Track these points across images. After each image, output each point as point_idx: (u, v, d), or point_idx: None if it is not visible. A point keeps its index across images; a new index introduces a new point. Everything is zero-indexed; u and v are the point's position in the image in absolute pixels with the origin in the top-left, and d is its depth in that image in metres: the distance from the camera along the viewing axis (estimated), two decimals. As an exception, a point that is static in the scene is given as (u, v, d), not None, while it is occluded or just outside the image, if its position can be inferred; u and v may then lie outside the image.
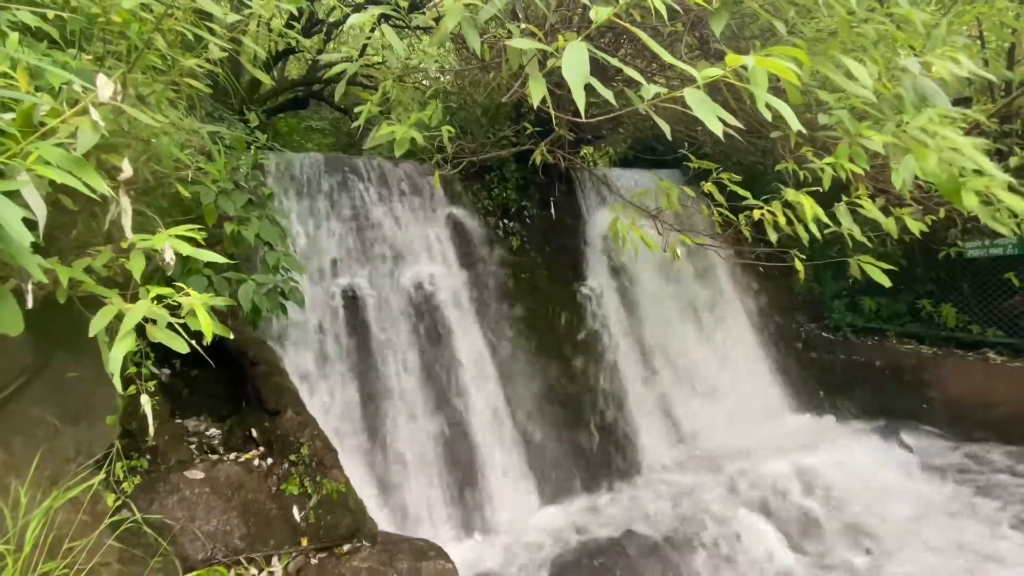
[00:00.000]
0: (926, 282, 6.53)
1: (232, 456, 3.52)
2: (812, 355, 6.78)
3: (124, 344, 1.38)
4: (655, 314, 6.02)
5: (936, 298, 6.39)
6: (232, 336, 1.92)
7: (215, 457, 3.47)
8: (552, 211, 5.61)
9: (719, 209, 3.15)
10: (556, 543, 3.90)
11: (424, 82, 6.07)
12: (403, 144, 2.19)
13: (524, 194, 5.73)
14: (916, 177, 2.21)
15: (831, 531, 4.23)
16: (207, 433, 3.79)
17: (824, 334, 6.97)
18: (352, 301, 4.54)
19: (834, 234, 2.93)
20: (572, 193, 6.31)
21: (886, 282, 2.65)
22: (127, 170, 1.76)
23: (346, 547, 3.26)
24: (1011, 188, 3.29)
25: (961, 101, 6.43)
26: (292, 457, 3.49)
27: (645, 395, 5.52)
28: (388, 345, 4.54)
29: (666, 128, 1.50)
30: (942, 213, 3.24)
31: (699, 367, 5.97)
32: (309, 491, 3.37)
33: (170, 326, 1.65)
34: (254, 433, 3.68)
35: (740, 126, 1.40)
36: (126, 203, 1.83)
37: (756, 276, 7.04)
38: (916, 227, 2.77)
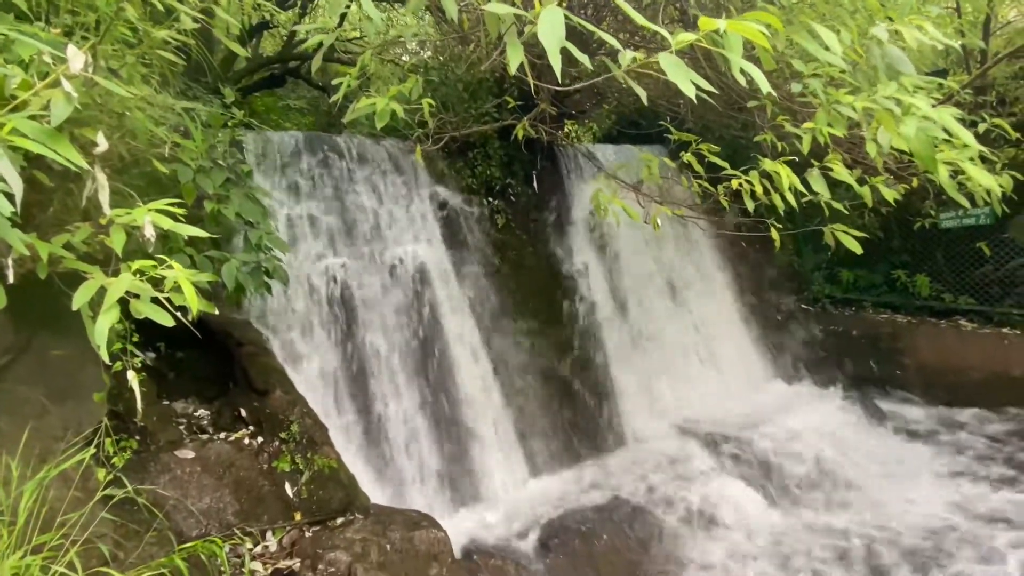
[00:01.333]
0: (902, 253, 6.70)
1: (222, 436, 3.54)
2: (792, 326, 6.96)
3: (109, 316, 1.39)
4: (640, 289, 6.11)
5: (911, 268, 6.57)
6: (217, 312, 1.93)
7: (205, 437, 3.49)
8: (536, 187, 5.61)
9: (699, 181, 3.20)
10: (545, 511, 4.02)
11: (404, 57, 5.96)
12: (384, 117, 2.17)
13: (508, 171, 5.72)
14: (892, 148, 2.26)
15: (809, 491, 4.41)
16: (195, 414, 3.79)
17: (804, 306, 7.15)
18: (337, 281, 4.53)
19: (815, 207, 3.00)
20: (557, 171, 6.31)
21: (858, 249, 2.73)
22: (102, 144, 1.73)
23: (339, 520, 3.32)
24: (983, 157, 3.38)
25: (937, 73, 6.51)
26: (282, 435, 3.52)
27: (630, 367, 5.63)
28: (375, 324, 4.55)
29: (642, 94, 1.52)
30: (915, 183, 3.33)
31: (683, 340, 6.10)
32: (301, 467, 3.41)
33: (155, 301, 1.65)
34: (243, 413, 3.70)
35: (715, 91, 1.43)
36: (102, 178, 1.81)
37: (739, 251, 7.15)
38: (890, 195, 2.84)
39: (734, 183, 2.72)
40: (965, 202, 2.54)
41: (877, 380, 6.21)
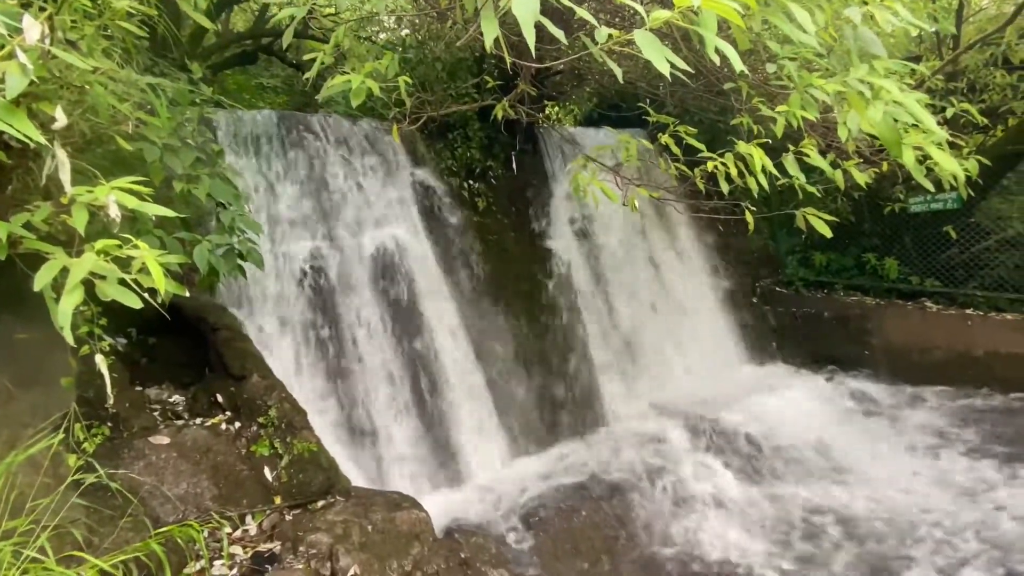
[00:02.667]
0: (872, 237, 6.88)
1: (198, 421, 3.50)
2: (766, 308, 7.12)
3: (72, 297, 1.35)
4: (619, 272, 6.17)
5: (880, 252, 6.76)
6: (187, 294, 1.89)
7: (180, 423, 3.44)
8: (515, 168, 5.58)
9: (676, 164, 3.22)
10: (526, 490, 4.09)
11: (381, 35, 5.81)
12: (359, 95, 2.12)
13: (489, 154, 5.67)
14: (864, 132, 2.31)
15: (782, 467, 4.57)
16: (170, 400, 3.73)
17: (778, 288, 7.31)
18: (313, 265, 4.47)
19: (791, 191, 3.05)
20: (538, 154, 6.28)
21: (827, 232, 2.80)
22: (61, 119, 1.66)
23: (320, 503, 3.33)
24: (951, 143, 3.47)
25: (911, 59, 6.62)
26: (260, 420, 3.49)
27: (610, 350, 5.72)
28: (354, 308, 4.51)
29: (618, 71, 1.51)
30: (885, 167, 3.41)
31: (662, 322, 6.20)
32: (280, 451, 3.40)
33: (123, 283, 1.61)
34: (220, 398, 3.65)
35: (690, 69, 1.44)
36: (63, 155, 1.74)
37: (716, 235, 7.26)
38: (861, 179, 2.91)
39: (709, 165, 2.74)
40: (930, 186, 2.61)
41: (847, 360, 6.41)
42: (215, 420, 3.49)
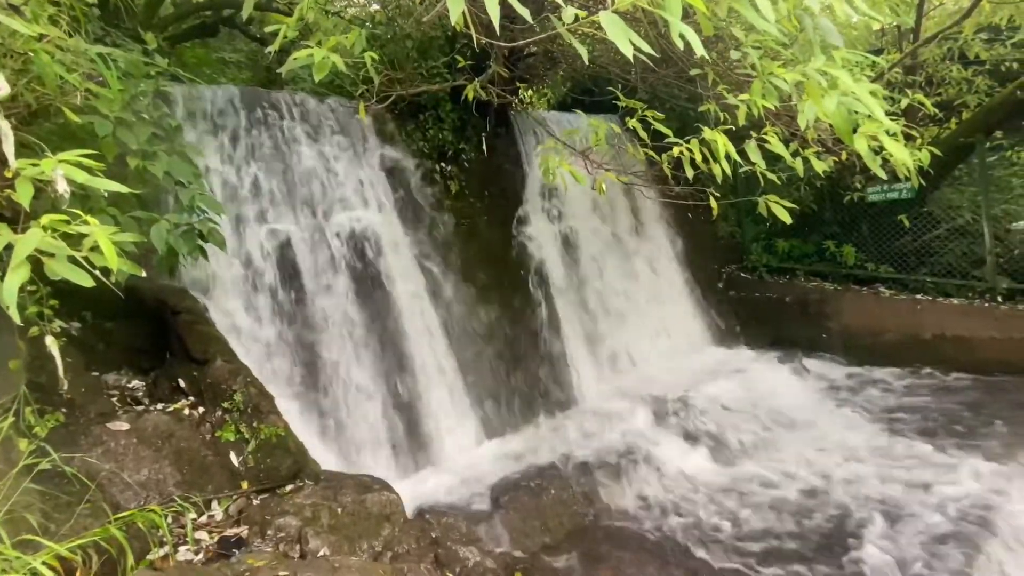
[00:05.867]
0: (832, 225, 7.13)
1: (159, 407, 3.41)
2: (731, 293, 7.33)
3: (17, 275, 1.29)
4: (591, 258, 6.24)
5: (840, 239, 7.02)
6: (144, 274, 1.83)
7: (140, 408, 3.35)
8: (486, 151, 5.54)
9: (644, 149, 3.26)
10: (497, 470, 4.14)
11: (350, 10, 5.64)
12: (322, 69, 2.05)
13: (462, 136, 5.60)
14: (825, 122, 2.38)
15: (744, 445, 4.76)
16: (129, 386, 3.62)
17: (743, 274, 7.53)
18: (280, 248, 4.36)
19: (757, 178, 3.13)
20: (511, 137, 6.24)
21: (787, 219, 2.89)
22: (3, 87, 1.57)
23: (289, 487, 3.30)
24: (906, 135, 3.60)
25: (874, 53, 6.82)
26: (225, 404, 3.42)
27: (581, 333, 5.80)
28: (323, 293, 4.44)
29: (584, 52, 1.52)
30: (844, 156, 3.53)
31: (631, 307, 6.32)
32: (247, 436, 3.35)
33: (73, 261, 1.54)
34: (182, 383, 3.56)
35: (655, 54, 1.45)
36: (6, 127, 1.65)
37: (685, 222, 7.41)
38: (820, 167, 3.01)
39: (675, 151, 2.79)
40: (883, 174, 2.72)
41: (805, 342, 6.67)
42: (177, 405, 3.40)
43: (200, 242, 2.79)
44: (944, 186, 6.86)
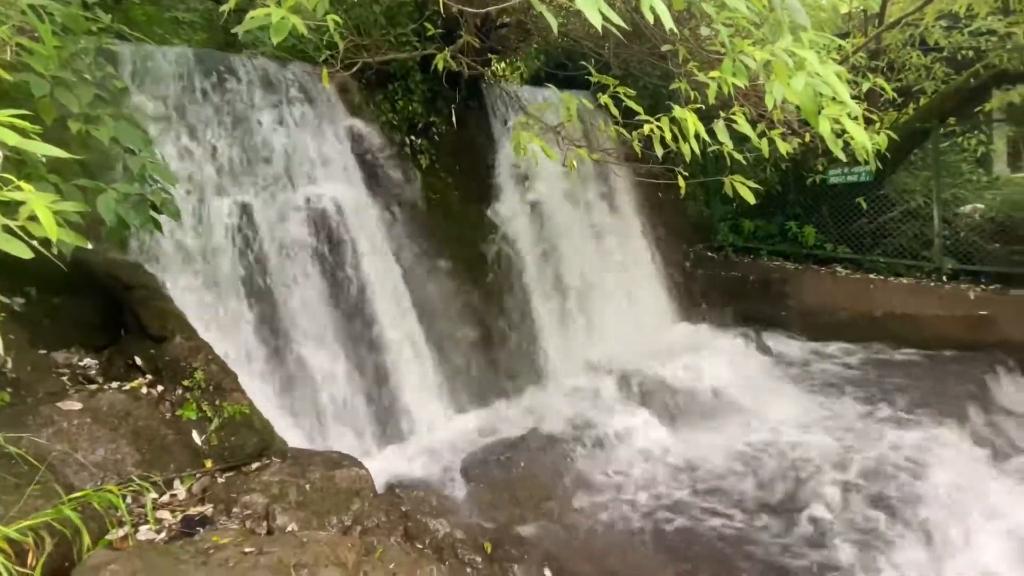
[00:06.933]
0: (796, 206, 7.35)
1: (114, 385, 3.28)
2: (698, 272, 7.51)
3: (-53, 246, 1.19)
4: (561, 235, 6.25)
5: (802, 220, 7.24)
6: (90, 246, 1.73)
7: (94, 387, 3.21)
8: (456, 124, 5.42)
9: (615, 127, 3.25)
10: (467, 445, 4.19)
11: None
12: (280, 30, 1.94)
13: (432, 108, 5.46)
14: (790, 103, 2.42)
15: (706, 416, 4.95)
16: (81, 364, 3.46)
17: (709, 253, 7.70)
18: (241, 222, 4.20)
19: (724, 158, 3.17)
20: (483, 111, 6.12)
21: (751, 199, 2.95)
22: (-81, 38, 1.42)
23: (255, 465, 3.24)
24: (866, 119, 3.69)
25: (841, 36, 6.93)
26: (185, 383, 3.32)
27: (551, 310, 5.85)
28: (288, 268, 4.31)
29: (553, 22, 1.48)
30: (807, 138, 3.60)
31: (601, 284, 6.39)
32: (209, 415, 3.26)
33: (9, 232, 1.44)
34: (138, 361, 3.43)
35: (625, 27, 1.43)
36: (-74, 83, 1.50)
37: (655, 202, 7.48)
38: (784, 148, 3.06)
39: (645, 128, 2.79)
40: (843, 155, 2.79)
41: (766, 319, 6.93)
42: (134, 384, 3.28)
43: (153, 214, 2.65)
44: (900, 170, 7.13)
